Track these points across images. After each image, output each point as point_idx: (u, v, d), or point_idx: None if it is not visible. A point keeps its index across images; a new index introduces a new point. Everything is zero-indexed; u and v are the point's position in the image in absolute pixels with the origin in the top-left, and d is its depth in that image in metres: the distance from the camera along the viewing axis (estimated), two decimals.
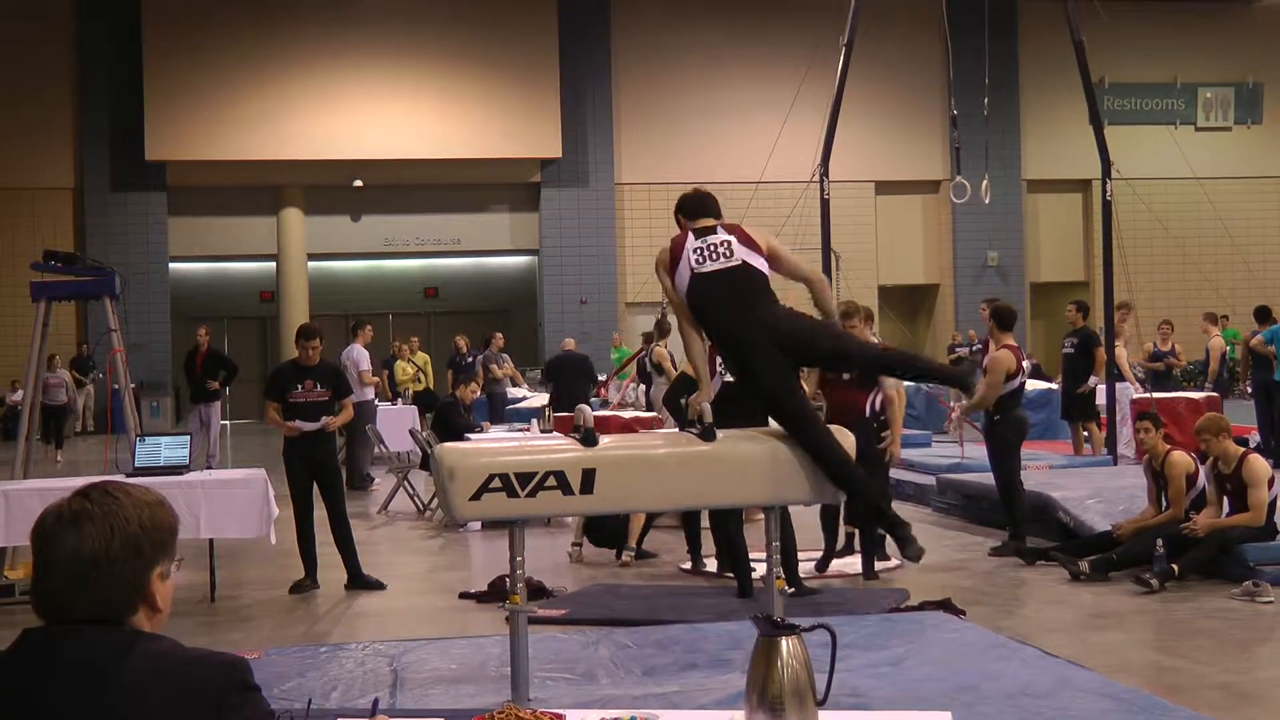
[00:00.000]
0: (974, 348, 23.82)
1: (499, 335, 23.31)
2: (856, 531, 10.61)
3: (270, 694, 5.28)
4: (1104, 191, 15.78)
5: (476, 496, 5.93)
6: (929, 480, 14.52)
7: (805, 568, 10.08)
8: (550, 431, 14.11)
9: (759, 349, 6.41)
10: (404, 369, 22.16)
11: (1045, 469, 14.03)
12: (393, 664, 7.10)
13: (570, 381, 18.71)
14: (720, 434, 6.30)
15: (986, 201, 21.02)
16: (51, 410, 23.23)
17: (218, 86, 29.99)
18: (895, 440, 10.21)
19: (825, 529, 10.46)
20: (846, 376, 9.92)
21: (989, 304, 15.99)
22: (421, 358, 22.74)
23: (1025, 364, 11.80)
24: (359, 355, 17.26)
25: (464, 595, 9.94)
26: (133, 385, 12.49)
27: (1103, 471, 14.02)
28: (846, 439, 6.54)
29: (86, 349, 28.35)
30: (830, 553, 10.46)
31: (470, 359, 22.10)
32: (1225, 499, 10.01)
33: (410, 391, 21.52)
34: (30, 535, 2.49)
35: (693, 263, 6.49)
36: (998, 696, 6.06)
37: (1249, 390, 18.55)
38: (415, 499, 15.06)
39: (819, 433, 6.34)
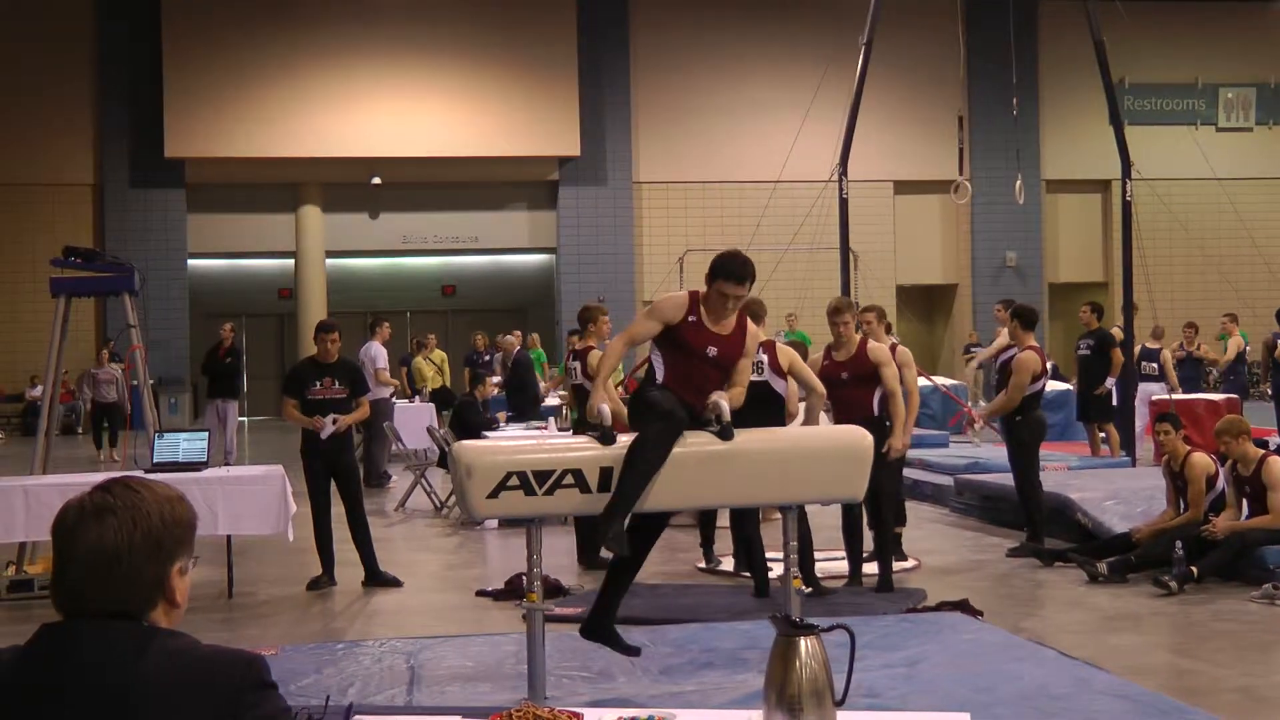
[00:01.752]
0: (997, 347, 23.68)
1: (518, 334, 23.31)
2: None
3: (287, 691, 5.29)
4: (1124, 192, 15.76)
5: (494, 494, 5.94)
6: (946, 481, 14.50)
7: (824, 566, 10.05)
8: (568, 430, 14.11)
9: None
10: (424, 367, 22.14)
11: (1063, 469, 14.00)
12: (410, 661, 7.11)
13: (523, 380, 18.69)
14: (738, 433, 6.30)
15: (1021, 202, 21.03)
16: (104, 408, 22.16)
17: (237, 84, 30.07)
18: (897, 434, 10.10)
19: (848, 541, 10.11)
20: (845, 376, 9.89)
21: (1005, 305, 15.98)
22: (439, 355, 22.74)
23: (1048, 366, 11.76)
24: (376, 353, 17.28)
25: (481, 593, 9.94)
26: (151, 381, 12.51)
27: (1121, 473, 13.99)
28: (865, 440, 6.53)
29: (112, 346, 28.42)
30: (858, 564, 10.13)
31: (488, 357, 22.11)
32: (1244, 501, 9.98)
33: (427, 389, 21.53)
34: (51, 529, 2.49)
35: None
36: (1015, 698, 6.04)
37: (1270, 393, 18.51)
38: (432, 496, 15.08)
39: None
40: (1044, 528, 11.32)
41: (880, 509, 9.90)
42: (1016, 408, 11.37)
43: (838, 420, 9.66)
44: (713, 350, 6.50)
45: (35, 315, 27.34)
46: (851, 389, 9.87)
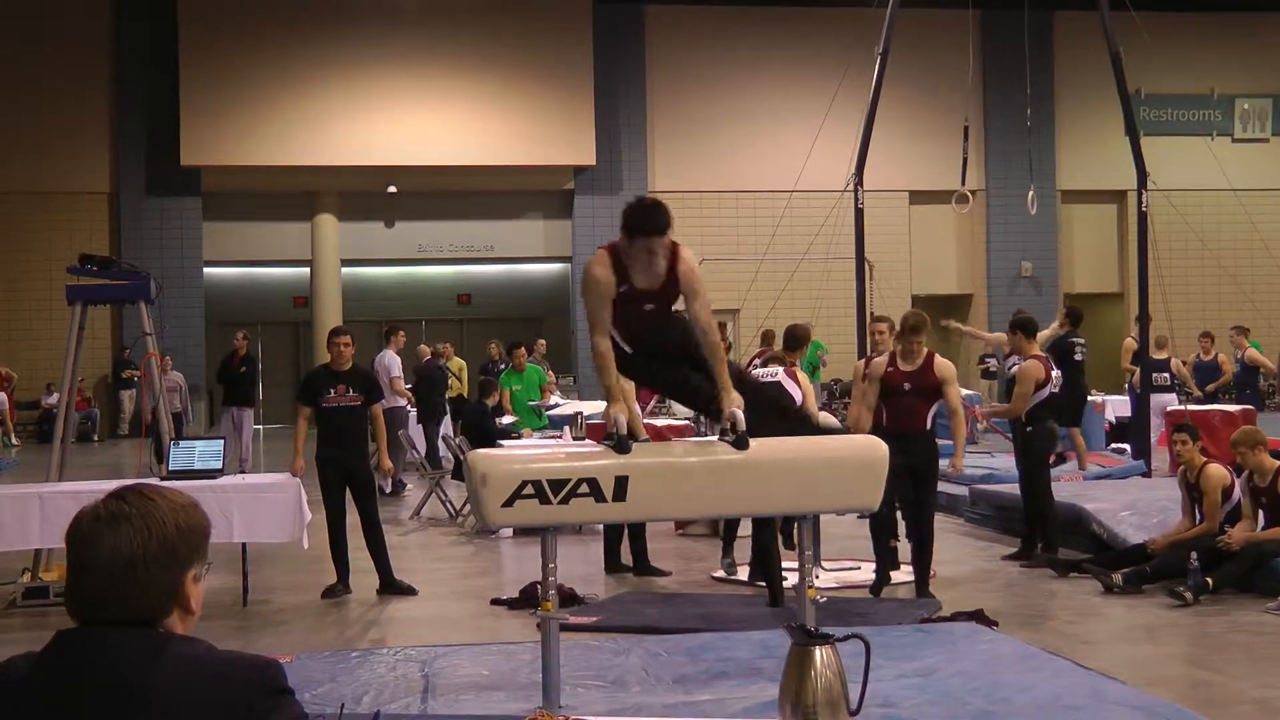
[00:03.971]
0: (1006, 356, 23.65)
1: (541, 341, 23.31)
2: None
3: (302, 699, 5.29)
4: (1139, 203, 15.72)
5: (509, 503, 5.93)
6: (961, 491, 14.45)
7: (838, 576, 10.03)
8: (583, 439, 14.12)
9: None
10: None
11: (1078, 479, 13.97)
12: (424, 670, 7.10)
13: (431, 388, 18.70)
14: (753, 443, 6.29)
15: (1033, 213, 20.99)
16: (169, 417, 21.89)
17: (253, 92, 30.13)
18: (959, 453, 10.13)
19: (878, 549, 10.02)
20: (907, 387, 9.83)
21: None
22: (457, 364, 22.72)
23: (1054, 374, 11.73)
24: (390, 361, 17.30)
25: (495, 601, 9.94)
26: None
27: (1137, 483, 13.96)
28: (880, 450, 6.51)
29: (128, 354, 28.50)
30: (884, 574, 10.04)
31: (504, 366, 22.09)
32: (1261, 512, 9.94)
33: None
34: (66, 536, 2.49)
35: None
36: (1030, 708, 6.03)
37: None
38: (447, 505, 15.08)
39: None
40: (1058, 538, 11.30)
41: (920, 520, 9.85)
42: (1028, 417, 11.36)
43: (890, 429, 9.41)
44: (650, 306, 6.49)
45: (51, 323, 27.40)
46: (910, 399, 9.82)
